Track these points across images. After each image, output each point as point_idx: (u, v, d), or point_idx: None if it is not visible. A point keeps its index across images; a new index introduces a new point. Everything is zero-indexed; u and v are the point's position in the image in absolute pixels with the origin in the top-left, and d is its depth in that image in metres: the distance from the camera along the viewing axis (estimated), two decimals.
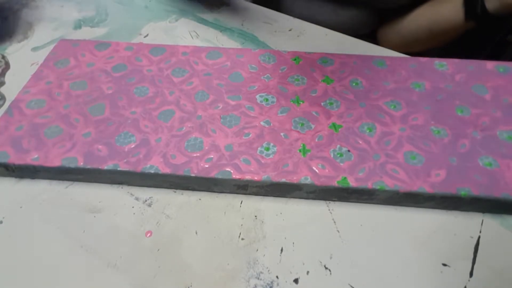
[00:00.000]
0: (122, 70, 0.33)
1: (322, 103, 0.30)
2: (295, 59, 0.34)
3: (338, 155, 0.26)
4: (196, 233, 0.25)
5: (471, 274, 0.23)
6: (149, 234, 0.25)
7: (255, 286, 0.23)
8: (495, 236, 0.25)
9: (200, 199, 0.27)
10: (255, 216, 0.26)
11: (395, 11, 0.49)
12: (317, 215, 0.26)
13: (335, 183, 0.25)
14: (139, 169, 0.26)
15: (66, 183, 0.28)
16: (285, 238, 0.25)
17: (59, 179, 0.28)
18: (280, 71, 0.33)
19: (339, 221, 0.26)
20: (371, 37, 0.53)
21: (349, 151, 0.27)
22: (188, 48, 0.35)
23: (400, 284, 0.23)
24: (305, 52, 0.34)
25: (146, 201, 0.27)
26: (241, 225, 0.26)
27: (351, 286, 0.23)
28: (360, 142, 0.27)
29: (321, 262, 0.24)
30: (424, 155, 0.26)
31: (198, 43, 0.39)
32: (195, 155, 0.27)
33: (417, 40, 0.48)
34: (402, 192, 0.25)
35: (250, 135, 0.28)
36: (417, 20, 0.47)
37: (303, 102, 0.30)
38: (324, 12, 0.49)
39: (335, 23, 0.41)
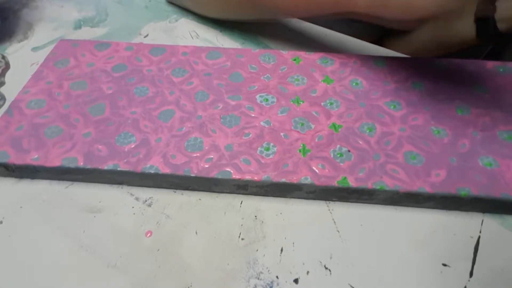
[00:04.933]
0: (122, 70, 0.33)
1: (322, 103, 0.30)
2: (295, 59, 0.34)
3: (338, 155, 0.27)
4: (196, 233, 0.25)
5: (471, 274, 0.23)
6: (149, 234, 0.25)
7: (255, 286, 0.23)
8: (495, 236, 0.25)
9: (200, 199, 0.27)
10: (255, 216, 0.26)
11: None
12: (317, 215, 0.26)
13: (335, 183, 0.25)
14: (139, 169, 0.26)
15: (66, 183, 0.28)
16: (285, 238, 0.25)
17: (59, 179, 0.28)
18: (280, 71, 0.33)
19: (339, 221, 0.26)
20: (377, 43, 0.53)
21: (349, 151, 0.27)
22: (188, 48, 0.35)
23: (400, 284, 0.23)
24: (305, 52, 0.34)
25: (146, 201, 0.27)
26: (241, 225, 0.26)
27: (351, 286, 0.23)
28: (360, 142, 0.27)
29: (321, 262, 0.24)
30: (424, 155, 0.26)
31: (198, 43, 0.39)
32: (195, 155, 0.27)
33: (425, 51, 0.48)
34: (402, 192, 0.25)
35: (250, 135, 0.28)
36: (426, 34, 0.47)
37: (303, 102, 0.30)
38: (336, 24, 0.49)
39: (343, 32, 0.42)
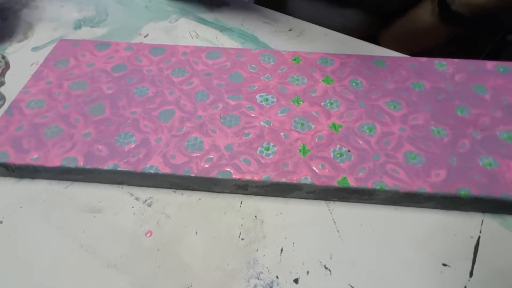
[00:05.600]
0: (122, 70, 0.33)
1: (322, 103, 0.30)
2: (295, 59, 0.34)
3: (338, 155, 0.26)
4: (196, 233, 0.25)
5: (471, 274, 0.23)
6: (149, 234, 0.25)
7: (255, 286, 0.23)
8: (495, 236, 0.25)
9: (200, 199, 0.27)
10: (255, 216, 0.26)
11: (397, 14, 0.49)
12: (317, 215, 0.26)
13: (335, 183, 0.25)
14: (139, 169, 0.26)
15: (66, 183, 0.28)
16: (285, 238, 0.25)
17: (59, 179, 0.28)
18: (280, 71, 0.33)
19: (339, 221, 0.26)
20: (374, 41, 0.53)
21: (349, 151, 0.27)
22: (188, 48, 0.35)
23: (400, 284, 0.23)
24: (305, 52, 0.34)
25: (146, 201, 0.27)
26: (241, 225, 0.26)
27: (351, 286, 0.23)
28: (360, 142, 0.27)
29: (321, 262, 0.24)
30: (424, 155, 0.26)
31: (198, 43, 0.39)
32: (195, 155, 0.27)
33: (403, 45, 0.48)
34: (402, 192, 0.25)
35: (250, 135, 0.28)
36: (401, 27, 0.47)
37: (303, 102, 0.30)
38: (329, 14, 0.49)
39: (340, 25, 0.42)
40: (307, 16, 0.43)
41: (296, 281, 0.23)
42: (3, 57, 0.38)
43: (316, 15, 0.45)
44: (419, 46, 0.48)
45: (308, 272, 0.23)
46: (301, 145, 0.27)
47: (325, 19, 0.43)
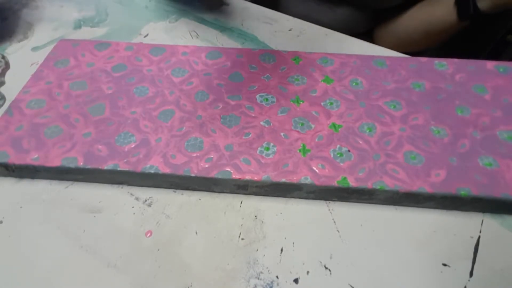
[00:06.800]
0: (122, 70, 0.33)
1: (322, 103, 0.30)
2: (295, 59, 0.34)
3: (338, 155, 0.26)
4: (196, 233, 0.25)
5: (471, 274, 0.23)
6: (149, 234, 0.25)
7: (255, 286, 0.23)
8: (495, 236, 0.25)
9: (200, 199, 0.27)
10: (255, 216, 0.26)
11: (390, 11, 0.49)
12: (317, 215, 0.26)
13: (335, 183, 0.25)
14: (139, 169, 0.26)
15: (66, 183, 0.28)
16: (285, 238, 0.25)
17: (59, 179, 0.28)
18: (280, 71, 0.33)
19: (339, 221, 0.26)
20: (368, 36, 0.53)
21: (349, 151, 0.27)
22: (188, 48, 0.35)
23: (400, 284, 0.23)
24: (305, 52, 0.34)
25: (146, 201, 0.27)
26: (241, 225, 0.26)
27: (351, 286, 0.23)
28: (360, 142, 0.27)
29: (321, 262, 0.24)
30: (424, 155, 0.26)
31: (198, 43, 0.39)
32: (195, 155, 0.27)
33: (412, 41, 0.48)
34: (402, 192, 0.25)
35: (250, 135, 0.28)
36: (411, 21, 0.47)
37: (303, 102, 0.30)
38: (320, 10, 0.49)
39: (332, 21, 0.42)
40: (298, 13, 0.43)
41: (296, 281, 0.23)
42: (3, 57, 0.38)
43: (307, 12, 0.45)
44: (426, 45, 0.48)
45: (308, 272, 0.23)
46: (301, 145, 0.27)
47: (316, 15, 0.43)
